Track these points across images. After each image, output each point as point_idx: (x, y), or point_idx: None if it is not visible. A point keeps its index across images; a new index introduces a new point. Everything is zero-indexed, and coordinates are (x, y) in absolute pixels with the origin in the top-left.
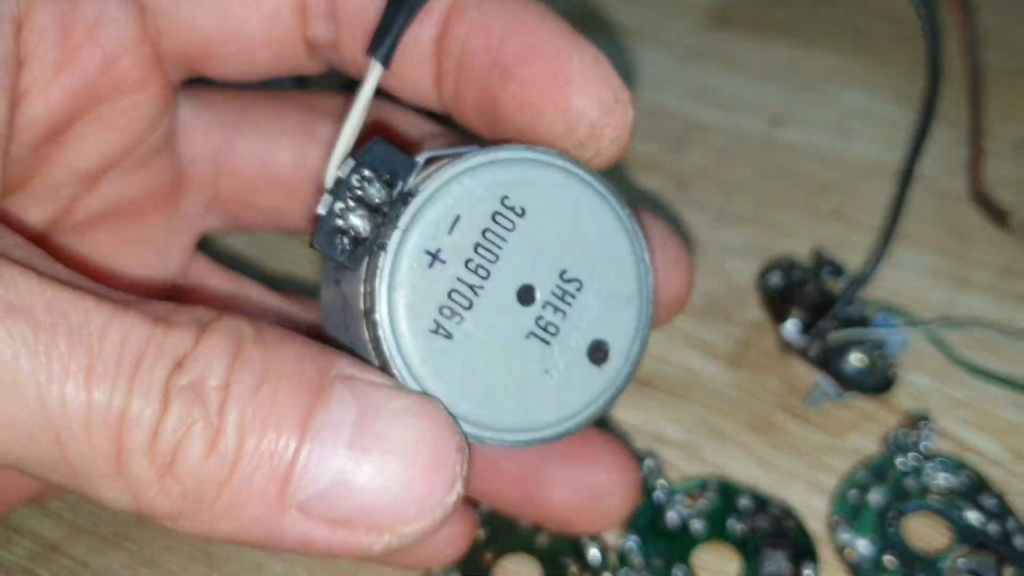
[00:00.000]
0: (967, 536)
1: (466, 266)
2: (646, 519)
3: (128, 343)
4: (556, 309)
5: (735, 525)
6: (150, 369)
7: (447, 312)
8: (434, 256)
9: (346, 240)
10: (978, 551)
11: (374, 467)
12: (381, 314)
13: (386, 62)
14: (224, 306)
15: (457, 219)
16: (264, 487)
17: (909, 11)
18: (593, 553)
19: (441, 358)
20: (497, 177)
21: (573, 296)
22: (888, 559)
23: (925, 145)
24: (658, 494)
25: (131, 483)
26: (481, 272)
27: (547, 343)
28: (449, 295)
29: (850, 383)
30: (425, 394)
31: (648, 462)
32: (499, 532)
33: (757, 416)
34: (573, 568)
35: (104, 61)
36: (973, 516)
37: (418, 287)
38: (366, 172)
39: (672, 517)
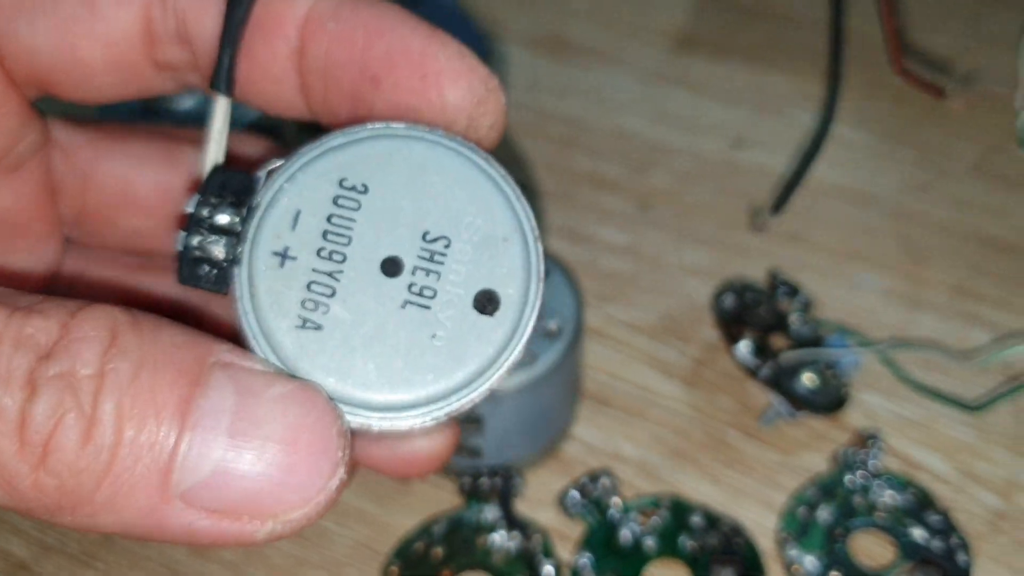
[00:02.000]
0: (911, 552)
1: (318, 255)
2: (600, 537)
3: None
4: (428, 272)
5: (686, 542)
6: (8, 359)
7: (310, 305)
8: (283, 255)
9: (208, 268)
10: (921, 567)
11: (254, 454)
12: (248, 324)
13: (229, 92)
14: (105, 295)
15: (298, 214)
16: (145, 478)
17: (870, 35)
18: (547, 570)
19: (317, 350)
20: (331, 163)
21: (442, 254)
22: (834, 575)
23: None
24: (612, 512)
25: (3, 477)
26: (336, 257)
27: (427, 307)
28: (308, 288)
29: (802, 403)
30: (305, 381)
31: (604, 480)
32: (457, 550)
33: (711, 435)
34: None
35: None
36: (918, 533)
37: (274, 288)
38: (212, 200)
39: (625, 534)
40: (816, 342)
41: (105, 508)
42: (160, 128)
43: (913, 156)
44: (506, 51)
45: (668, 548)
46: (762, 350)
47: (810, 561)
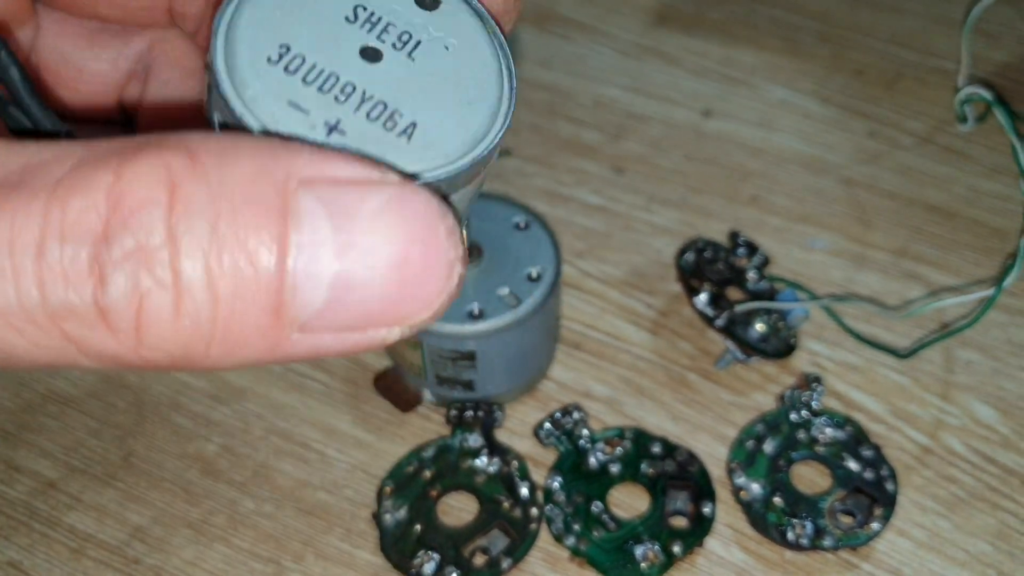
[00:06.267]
0: (845, 481)
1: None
2: (570, 463)
3: (19, 236)
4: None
5: (647, 468)
6: (59, 256)
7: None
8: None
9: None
10: (853, 494)
11: (365, 277)
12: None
13: None
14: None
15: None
16: (256, 327)
17: (836, 11)
18: (523, 492)
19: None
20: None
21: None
22: (776, 499)
23: None
24: (582, 442)
25: (109, 359)
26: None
27: (420, 52)
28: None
29: (754, 349)
30: (398, 180)
31: (575, 414)
32: (444, 473)
33: (672, 376)
34: (506, 504)
35: None
36: (852, 465)
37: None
38: None
39: (592, 461)
40: (769, 296)
41: (223, 358)
42: None
43: (867, 128)
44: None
45: (630, 473)
46: (719, 301)
47: (756, 487)
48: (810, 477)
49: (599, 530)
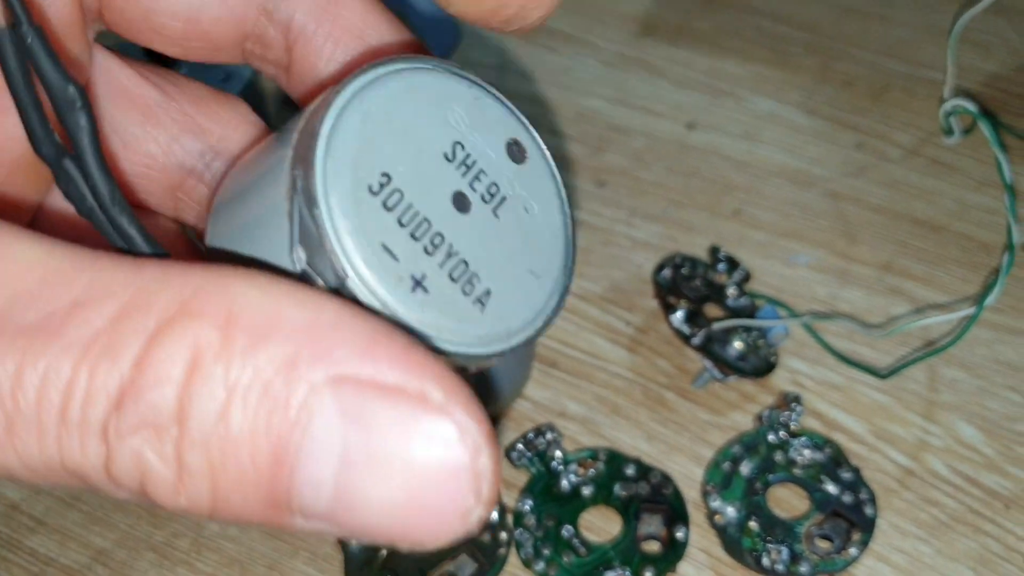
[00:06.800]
0: (823, 505)
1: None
2: (541, 485)
3: (46, 394)
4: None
5: (619, 491)
6: (78, 422)
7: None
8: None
9: None
10: (831, 518)
11: (369, 497)
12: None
13: None
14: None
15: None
16: (256, 511)
17: (824, 22)
18: (492, 516)
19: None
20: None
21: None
22: (752, 523)
23: None
24: (554, 463)
25: (124, 495)
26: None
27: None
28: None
29: (733, 368)
30: (444, 390)
31: (548, 435)
32: None
33: (649, 395)
34: None
35: None
36: (831, 487)
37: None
38: None
39: (564, 484)
40: (749, 312)
41: (225, 521)
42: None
43: (855, 140)
44: (480, 32)
45: (603, 496)
46: (696, 319)
47: (731, 510)
48: (787, 500)
49: (569, 555)
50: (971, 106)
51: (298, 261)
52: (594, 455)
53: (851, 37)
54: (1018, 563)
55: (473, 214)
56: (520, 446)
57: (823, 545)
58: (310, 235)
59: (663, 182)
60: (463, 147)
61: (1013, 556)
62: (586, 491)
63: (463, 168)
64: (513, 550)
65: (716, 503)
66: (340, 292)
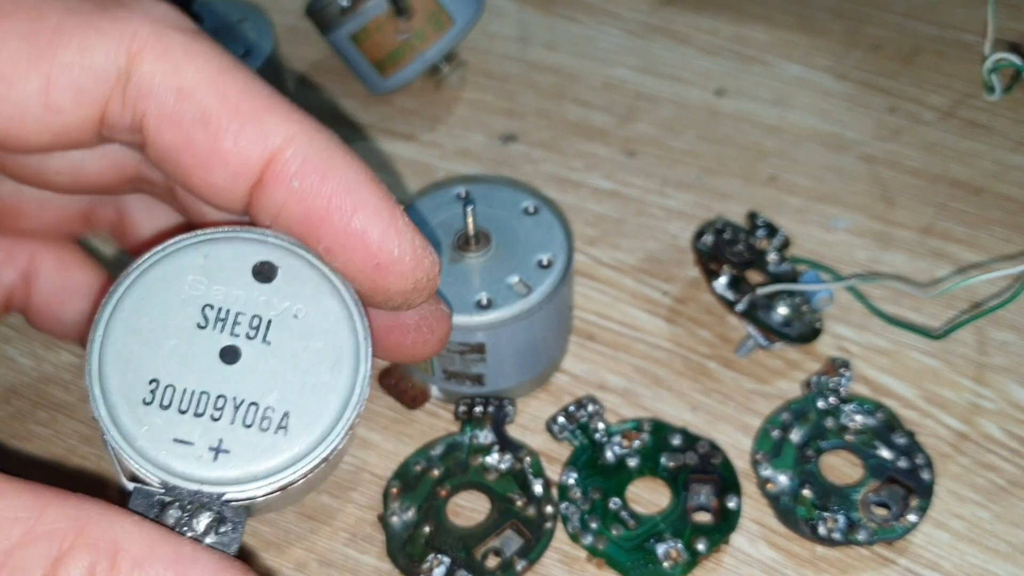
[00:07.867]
0: (878, 471)
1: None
2: (585, 457)
3: None
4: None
5: (667, 462)
6: None
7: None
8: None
9: None
10: (887, 484)
11: None
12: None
13: None
14: None
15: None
16: None
17: None
18: (537, 489)
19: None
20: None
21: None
22: (805, 492)
23: None
24: (598, 435)
25: None
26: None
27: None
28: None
29: (777, 334)
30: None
31: (589, 407)
32: (453, 471)
33: (691, 366)
34: (519, 502)
35: None
36: (885, 453)
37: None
38: None
39: (609, 455)
40: (791, 278)
41: None
42: None
43: (887, 103)
44: (499, 4)
45: (649, 467)
46: (739, 285)
47: (783, 479)
48: (840, 467)
49: (618, 528)
50: (1016, 59)
51: (129, 483)
52: (638, 426)
53: (877, 1)
54: None
55: (246, 357)
56: (561, 419)
57: (880, 512)
58: (122, 462)
59: (695, 150)
60: (211, 306)
61: None
62: (632, 462)
63: (219, 324)
64: (560, 524)
65: (767, 472)
66: (169, 488)
